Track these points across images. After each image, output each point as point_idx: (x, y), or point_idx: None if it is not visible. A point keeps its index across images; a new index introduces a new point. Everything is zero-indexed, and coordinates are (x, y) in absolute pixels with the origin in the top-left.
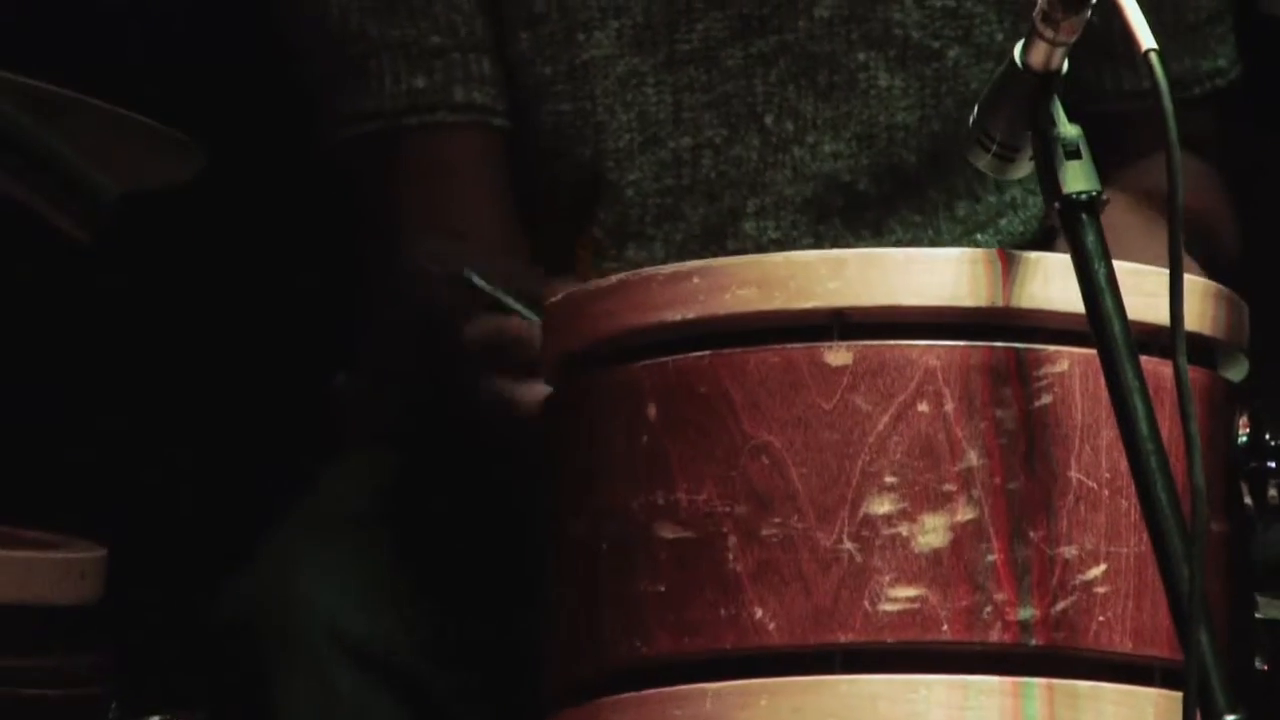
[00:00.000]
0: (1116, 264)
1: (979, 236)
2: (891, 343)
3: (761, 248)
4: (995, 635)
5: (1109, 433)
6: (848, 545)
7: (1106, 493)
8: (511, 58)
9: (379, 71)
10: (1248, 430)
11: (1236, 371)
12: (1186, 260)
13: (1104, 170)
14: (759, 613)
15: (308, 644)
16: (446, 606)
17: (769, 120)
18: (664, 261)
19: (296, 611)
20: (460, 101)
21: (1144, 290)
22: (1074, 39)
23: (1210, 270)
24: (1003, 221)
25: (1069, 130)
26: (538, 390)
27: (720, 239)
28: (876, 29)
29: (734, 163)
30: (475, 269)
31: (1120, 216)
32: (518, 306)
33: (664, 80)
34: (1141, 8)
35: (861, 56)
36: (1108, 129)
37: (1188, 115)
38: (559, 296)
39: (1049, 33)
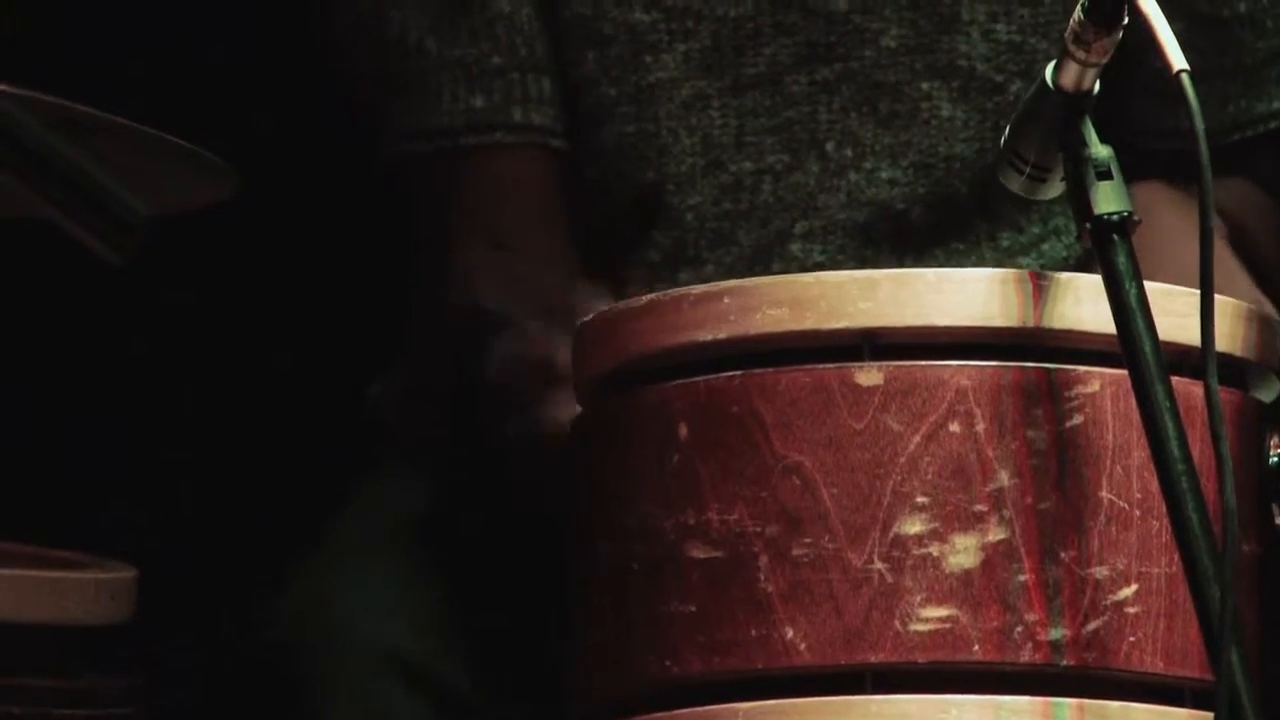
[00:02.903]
0: (1147, 284)
1: (1021, 260)
2: (923, 363)
3: (806, 270)
4: (1026, 655)
5: (1140, 453)
6: (879, 565)
7: (1137, 513)
8: (576, 78)
9: (438, 89)
10: (1279, 451)
11: (1267, 392)
12: (1235, 267)
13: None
14: (790, 633)
15: (353, 661)
16: (489, 622)
17: (829, 147)
18: None
19: (341, 629)
20: (519, 122)
21: (1175, 311)
22: (1105, 60)
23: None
24: (1045, 246)
25: (1100, 151)
26: (563, 411)
27: (767, 261)
28: (941, 60)
29: (792, 188)
30: None
31: (1152, 192)
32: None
33: (728, 104)
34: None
35: (925, 86)
36: (1156, 166)
37: (1249, 152)
38: (590, 316)
39: (1080, 54)
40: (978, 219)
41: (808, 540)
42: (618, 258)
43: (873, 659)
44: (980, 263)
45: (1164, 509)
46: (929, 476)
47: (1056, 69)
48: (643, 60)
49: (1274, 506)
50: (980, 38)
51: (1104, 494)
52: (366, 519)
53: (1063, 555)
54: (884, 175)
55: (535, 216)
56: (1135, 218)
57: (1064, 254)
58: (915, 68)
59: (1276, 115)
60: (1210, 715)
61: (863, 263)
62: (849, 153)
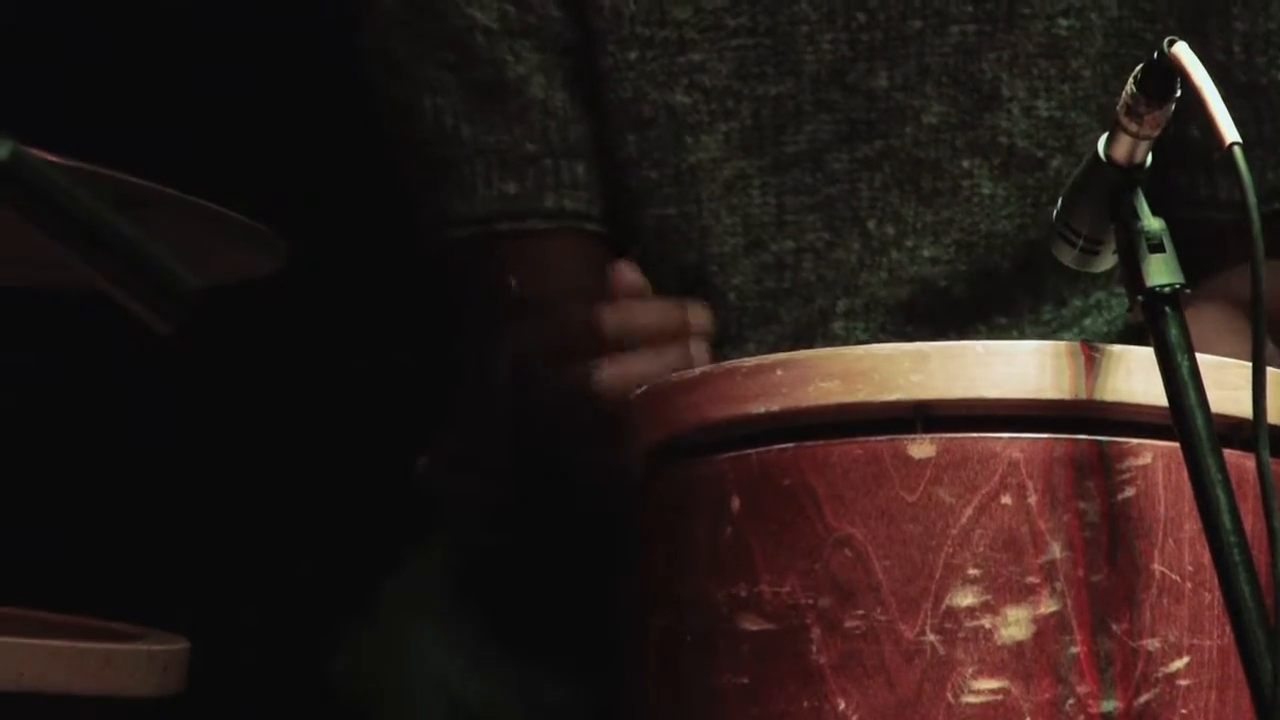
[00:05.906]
0: (1199, 357)
1: (1063, 336)
2: (974, 435)
3: None
4: None
5: (1192, 525)
6: (931, 637)
7: (1189, 585)
8: (617, 161)
9: (471, 176)
10: None
11: None
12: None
13: (1193, 279)
14: (842, 705)
15: (417, 707)
16: (550, 677)
17: (871, 225)
18: None
19: (414, 681)
20: (551, 208)
21: (1227, 383)
22: (1157, 132)
23: None
24: (1086, 321)
25: (1152, 223)
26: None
27: (809, 339)
28: (983, 136)
29: (834, 266)
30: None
31: (1210, 324)
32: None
33: (769, 183)
34: (1235, 119)
35: (966, 164)
36: (1197, 239)
37: (1275, 229)
38: (643, 388)
39: (1133, 126)
40: (1020, 295)
41: (860, 612)
42: None
43: None
44: (1022, 338)
45: (1216, 581)
46: (981, 548)
47: (1108, 142)
48: (684, 141)
49: None
50: (1021, 114)
51: (1156, 566)
52: (421, 581)
53: (1115, 627)
54: (926, 253)
55: (575, 290)
56: (1187, 290)
57: (1105, 329)
58: (956, 145)
59: None
60: None
61: (905, 340)
62: (890, 230)
